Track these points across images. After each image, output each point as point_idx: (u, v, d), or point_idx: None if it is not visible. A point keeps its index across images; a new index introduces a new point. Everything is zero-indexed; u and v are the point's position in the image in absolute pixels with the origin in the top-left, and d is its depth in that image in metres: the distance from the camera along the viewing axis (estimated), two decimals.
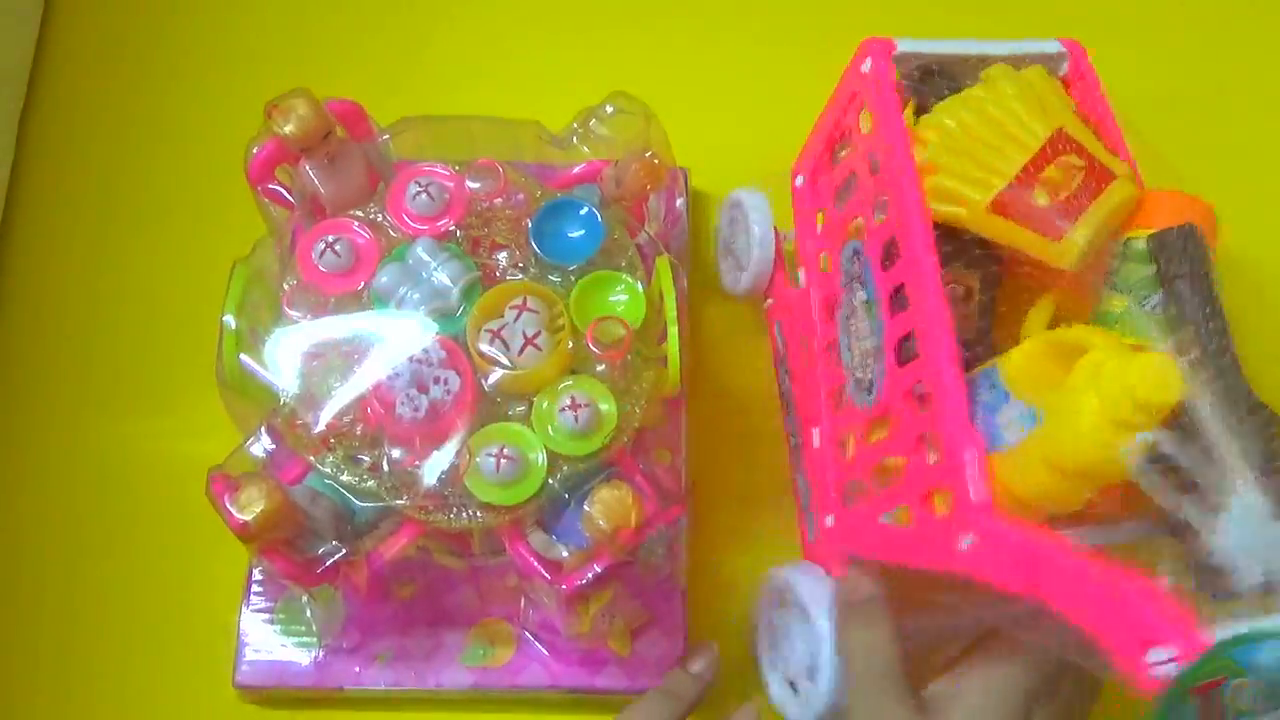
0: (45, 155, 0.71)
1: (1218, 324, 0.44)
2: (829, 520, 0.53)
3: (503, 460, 0.47)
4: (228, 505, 0.45)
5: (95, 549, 0.61)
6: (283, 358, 0.49)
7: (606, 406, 0.49)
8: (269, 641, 0.57)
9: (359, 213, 0.53)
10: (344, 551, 0.48)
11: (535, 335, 0.49)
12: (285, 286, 0.51)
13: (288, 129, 0.51)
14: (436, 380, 0.47)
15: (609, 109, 0.56)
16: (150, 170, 0.71)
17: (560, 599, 0.50)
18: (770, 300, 0.62)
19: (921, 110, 0.51)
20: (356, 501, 0.49)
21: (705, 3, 0.77)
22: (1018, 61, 0.51)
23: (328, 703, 0.58)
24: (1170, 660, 0.34)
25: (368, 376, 0.48)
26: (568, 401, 0.48)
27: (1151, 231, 0.46)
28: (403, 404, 0.47)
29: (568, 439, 0.48)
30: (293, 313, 0.50)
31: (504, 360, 0.48)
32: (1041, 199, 0.46)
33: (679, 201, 0.61)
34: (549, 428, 0.48)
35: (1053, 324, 0.49)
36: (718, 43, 0.75)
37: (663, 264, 0.52)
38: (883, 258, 0.48)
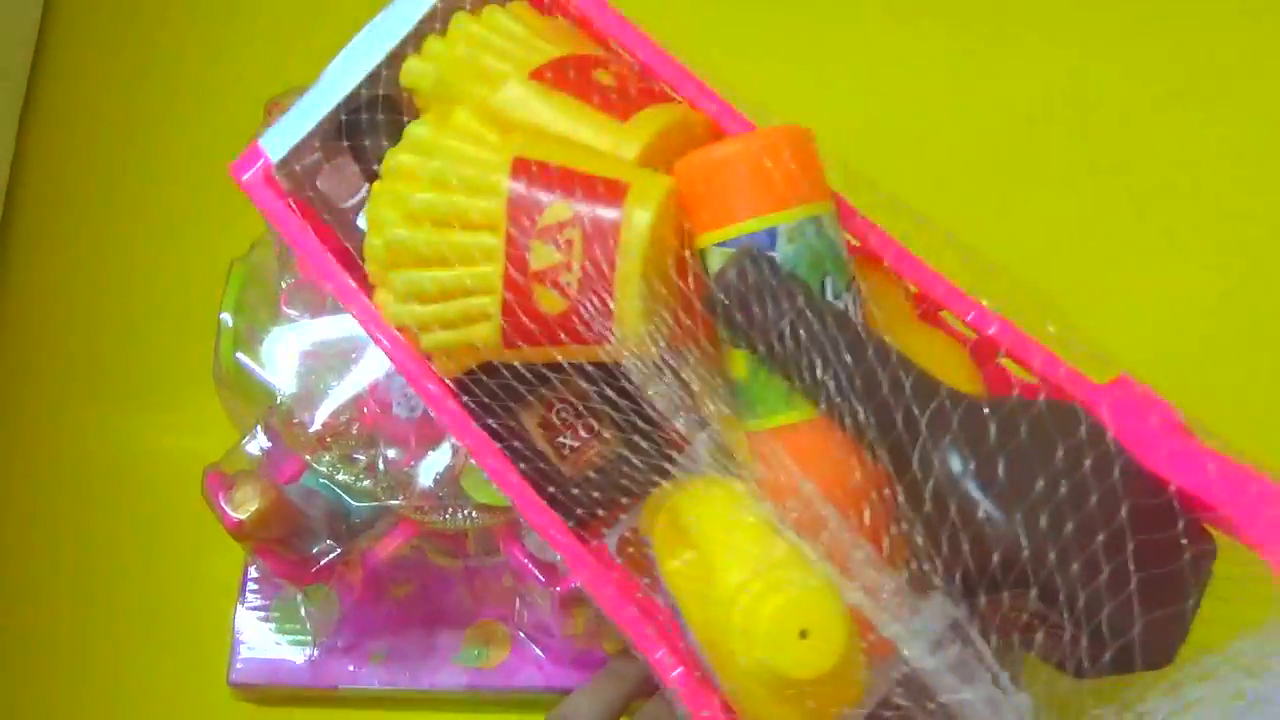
0: (45, 155, 0.71)
1: (853, 359, 0.30)
2: None
3: None
4: (222, 504, 0.45)
5: (91, 544, 0.62)
6: (280, 356, 0.49)
7: None
8: (264, 640, 0.57)
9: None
10: (339, 551, 0.48)
11: None
12: (283, 285, 0.51)
13: None
14: None
15: None
16: (149, 169, 0.71)
17: (555, 601, 0.50)
18: None
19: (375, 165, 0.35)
20: (352, 501, 0.49)
21: (706, 5, 0.77)
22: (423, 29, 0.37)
23: (322, 701, 0.58)
24: None
25: (364, 376, 0.48)
26: None
27: (725, 234, 0.32)
28: (399, 404, 0.47)
29: None
30: (291, 311, 0.51)
31: None
32: (552, 303, 0.31)
33: None
34: None
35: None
36: (719, 43, 0.75)
37: None
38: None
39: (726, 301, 0.31)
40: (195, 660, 0.58)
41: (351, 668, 0.57)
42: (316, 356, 0.49)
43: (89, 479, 0.63)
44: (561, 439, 0.37)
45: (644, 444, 0.33)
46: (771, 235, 0.32)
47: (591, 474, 0.35)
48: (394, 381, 0.48)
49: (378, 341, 0.35)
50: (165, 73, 0.74)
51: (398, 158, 0.34)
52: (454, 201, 0.32)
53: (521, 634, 0.57)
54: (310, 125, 0.38)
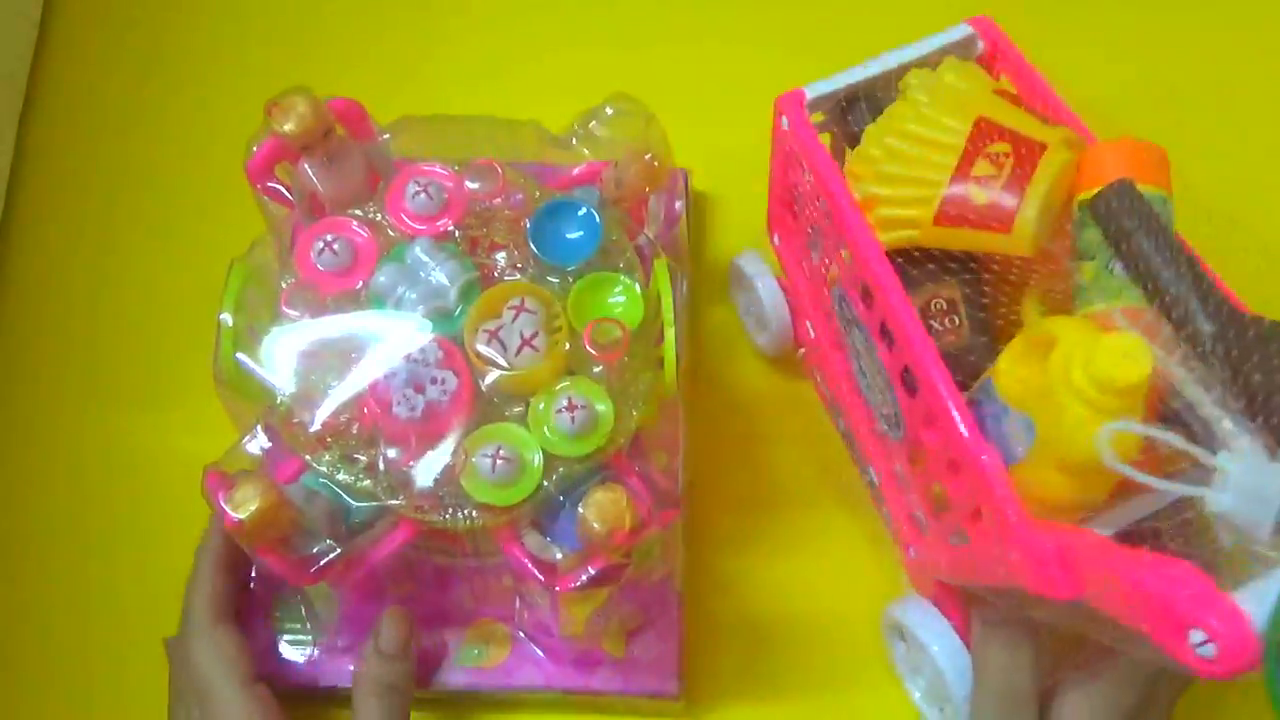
0: (45, 155, 0.71)
1: (1179, 267, 0.42)
2: (911, 552, 0.53)
3: (499, 460, 0.47)
4: (222, 504, 0.45)
5: (91, 543, 0.62)
6: (280, 356, 0.49)
7: (603, 408, 0.49)
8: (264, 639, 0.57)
9: (358, 212, 0.53)
10: (339, 551, 0.48)
11: (532, 336, 0.49)
12: (283, 285, 0.51)
13: (287, 127, 0.51)
14: (433, 380, 0.47)
15: (609, 110, 0.56)
16: (150, 169, 0.71)
17: (554, 600, 0.50)
18: (802, 350, 0.62)
19: (854, 141, 0.50)
20: (352, 501, 0.49)
21: (706, 5, 0.77)
22: (932, 60, 0.51)
23: (322, 701, 0.58)
24: (1205, 641, 0.33)
25: (365, 375, 0.48)
26: (564, 403, 0.48)
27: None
28: (399, 403, 0.47)
29: (564, 440, 0.48)
30: (291, 311, 0.50)
31: (501, 361, 0.48)
32: (979, 197, 0.46)
33: (678, 204, 0.61)
34: (545, 429, 0.48)
35: (1047, 311, 0.48)
36: (719, 44, 0.75)
37: (660, 266, 0.52)
38: (861, 297, 0.48)
39: (1112, 204, 0.44)
40: None
41: (352, 668, 0.57)
42: (316, 356, 0.49)
43: (87, 478, 0.63)
44: (932, 322, 0.50)
45: (985, 339, 0.49)
46: None
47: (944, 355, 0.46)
48: (394, 381, 0.47)
49: (854, 232, 0.48)
50: (166, 73, 0.74)
51: (894, 109, 0.49)
52: (930, 130, 0.48)
53: (521, 633, 0.57)
54: (839, 86, 0.52)
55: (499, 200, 0.53)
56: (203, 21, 0.75)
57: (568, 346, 0.49)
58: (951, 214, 0.46)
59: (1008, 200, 0.45)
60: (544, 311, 0.50)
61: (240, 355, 0.49)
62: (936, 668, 0.50)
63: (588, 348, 0.49)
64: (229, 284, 0.51)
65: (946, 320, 0.50)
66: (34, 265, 0.68)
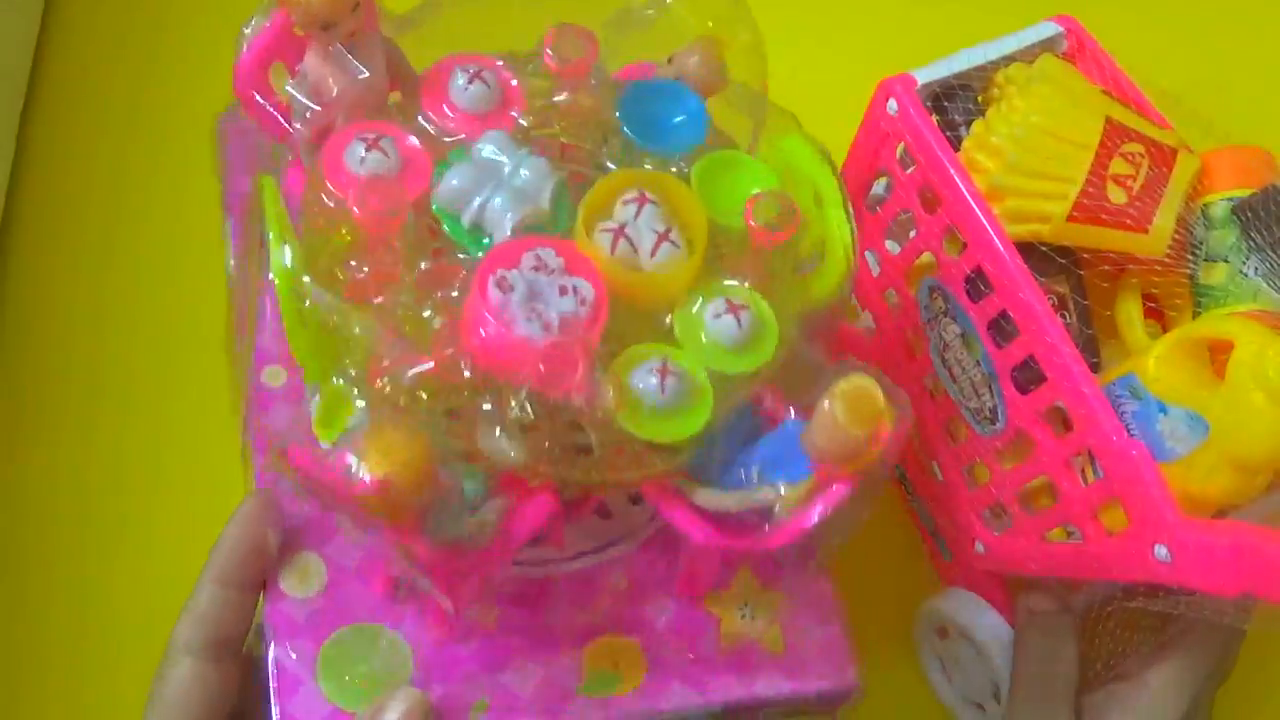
0: (45, 155, 0.69)
1: None
2: (979, 547, 0.52)
3: (668, 378, 0.36)
4: (352, 464, 0.31)
5: (92, 550, 0.59)
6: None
7: (767, 312, 0.39)
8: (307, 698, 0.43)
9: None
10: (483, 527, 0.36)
11: (666, 231, 0.38)
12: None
13: None
14: (563, 290, 0.37)
15: None
16: (151, 167, 0.68)
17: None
18: None
19: (947, 129, 0.50)
20: (468, 475, 0.37)
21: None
22: (1025, 56, 0.52)
23: None
24: None
25: (469, 296, 0.37)
26: (723, 305, 0.38)
27: (1225, 195, 0.48)
28: (525, 320, 0.35)
29: (726, 354, 0.38)
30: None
31: (637, 263, 0.38)
32: (1117, 196, 0.46)
33: None
34: (700, 340, 0.38)
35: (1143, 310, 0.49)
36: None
37: (798, 141, 0.43)
38: (967, 290, 0.47)
39: (1262, 211, 0.45)
40: None
41: None
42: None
43: (88, 480, 0.61)
44: None
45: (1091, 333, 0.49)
46: None
47: None
48: (512, 295, 0.36)
49: (977, 221, 0.46)
50: (168, 72, 0.72)
51: (1016, 102, 0.48)
52: (1062, 125, 0.47)
53: (656, 645, 0.45)
54: (945, 73, 0.51)
55: (565, 95, 0.43)
56: (204, 21, 0.73)
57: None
58: (1087, 211, 0.46)
59: (1146, 201, 0.46)
60: (668, 205, 0.40)
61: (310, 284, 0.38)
62: (990, 663, 0.51)
63: (750, 226, 0.39)
64: (267, 205, 0.39)
65: (1059, 315, 0.48)
66: (35, 264, 0.66)
